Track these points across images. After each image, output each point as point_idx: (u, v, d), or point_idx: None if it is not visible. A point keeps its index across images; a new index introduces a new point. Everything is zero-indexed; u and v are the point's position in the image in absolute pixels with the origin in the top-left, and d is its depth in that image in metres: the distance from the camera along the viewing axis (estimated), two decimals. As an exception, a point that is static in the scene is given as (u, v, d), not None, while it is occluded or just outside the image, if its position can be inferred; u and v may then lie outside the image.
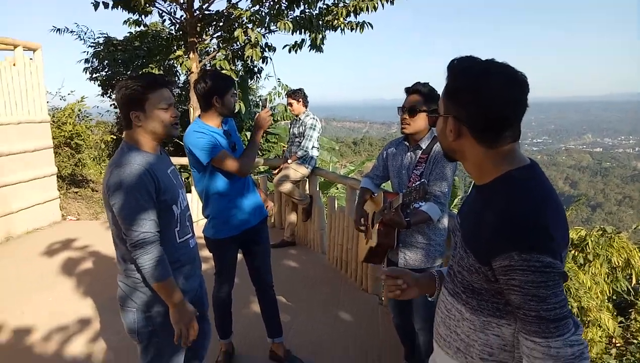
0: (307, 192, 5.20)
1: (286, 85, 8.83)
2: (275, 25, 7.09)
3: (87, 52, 9.86)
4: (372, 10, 6.88)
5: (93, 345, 3.14)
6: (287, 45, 7.70)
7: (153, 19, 8.28)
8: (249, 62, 8.40)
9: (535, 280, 0.97)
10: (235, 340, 2.97)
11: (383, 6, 6.85)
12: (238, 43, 7.58)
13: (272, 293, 2.85)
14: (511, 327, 1.10)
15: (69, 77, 8.58)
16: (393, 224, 2.25)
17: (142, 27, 8.34)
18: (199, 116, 2.58)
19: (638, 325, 6.33)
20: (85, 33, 10.05)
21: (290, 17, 7.21)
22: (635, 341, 6.09)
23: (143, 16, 7.74)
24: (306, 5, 7.17)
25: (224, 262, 2.71)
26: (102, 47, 9.84)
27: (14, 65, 5.74)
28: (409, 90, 2.36)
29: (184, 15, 7.63)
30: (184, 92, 10.02)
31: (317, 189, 5.23)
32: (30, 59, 6.07)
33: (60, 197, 6.72)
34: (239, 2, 7.24)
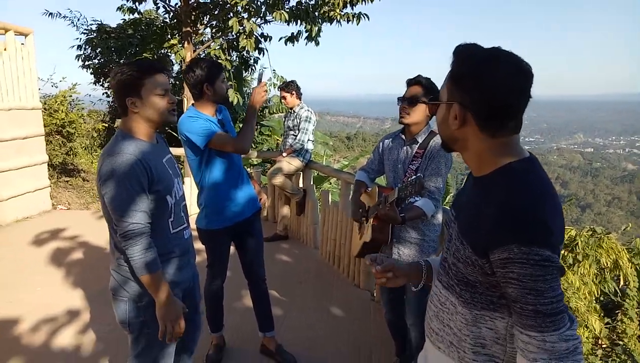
0: (301, 185, 5.17)
1: (282, 77, 8.79)
2: (271, 15, 7.03)
3: (80, 38, 9.73)
4: (368, 2, 6.85)
5: (82, 336, 3.10)
6: (282, 37, 7.65)
7: (147, 6, 8.19)
8: (244, 52, 8.32)
9: (534, 274, 0.96)
10: (226, 333, 2.95)
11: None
12: (233, 33, 7.52)
13: (264, 286, 2.83)
14: (504, 320, 1.09)
15: (60, 64, 8.44)
16: (388, 219, 2.24)
17: (136, 15, 8.23)
18: (193, 104, 2.55)
19: (624, 327, 6.39)
20: (79, 19, 9.92)
21: (286, 7, 7.15)
22: (621, 342, 6.15)
23: (137, 3, 7.64)
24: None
25: (217, 254, 2.69)
26: (95, 34, 9.70)
27: (4, 50, 5.63)
28: (410, 82, 2.36)
29: (179, 3, 7.54)
30: (177, 82, 9.93)
31: (312, 183, 5.21)
32: (22, 44, 5.96)
33: (51, 186, 6.65)
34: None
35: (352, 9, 7.05)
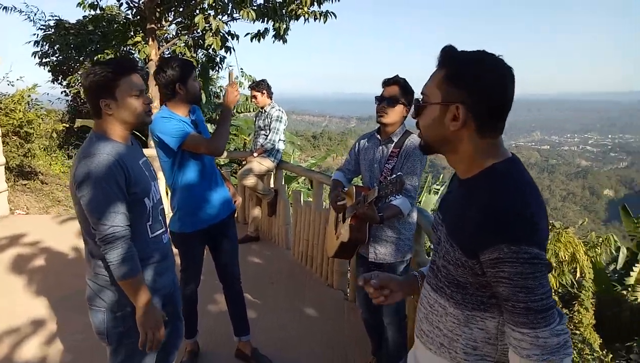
0: (272, 186, 5.13)
1: (250, 76, 8.68)
2: (238, 13, 6.93)
3: (37, 34, 9.31)
4: (335, 0, 6.87)
5: (48, 347, 2.96)
6: (249, 33, 7.55)
7: (109, 1, 7.92)
8: (210, 50, 8.18)
9: (524, 272, 0.98)
10: (200, 338, 2.89)
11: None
12: (199, 30, 7.37)
13: (239, 287, 2.79)
14: (495, 320, 1.11)
15: (16, 61, 8.03)
16: (366, 218, 2.25)
17: (97, 11, 7.94)
18: (165, 104, 2.48)
19: (580, 317, 6.68)
20: (36, 14, 9.50)
21: (253, 4, 7.08)
22: (577, 332, 6.43)
23: (99, -1, 7.37)
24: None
25: (190, 258, 2.63)
26: (53, 30, 9.31)
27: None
28: (388, 82, 2.38)
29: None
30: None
31: (283, 183, 5.18)
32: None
33: (8, 190, 6.31)
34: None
35: (319, 6, 7.05)
